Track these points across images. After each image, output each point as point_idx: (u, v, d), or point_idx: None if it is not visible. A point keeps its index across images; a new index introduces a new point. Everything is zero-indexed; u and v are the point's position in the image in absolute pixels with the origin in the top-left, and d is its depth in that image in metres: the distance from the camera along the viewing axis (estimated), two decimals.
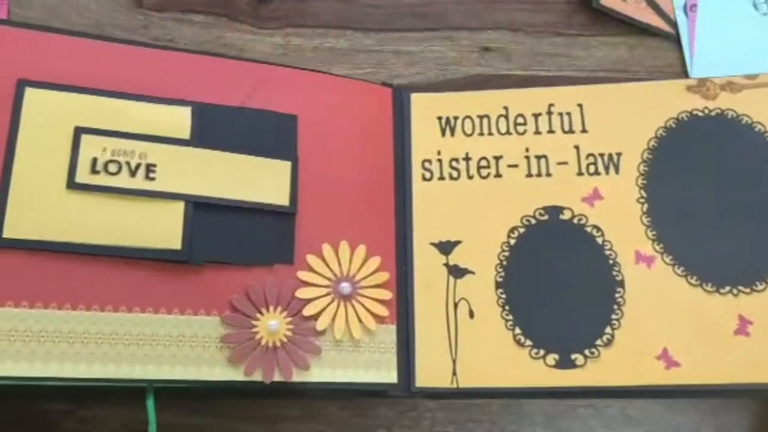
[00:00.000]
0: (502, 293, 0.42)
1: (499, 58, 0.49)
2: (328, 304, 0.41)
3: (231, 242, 0.41)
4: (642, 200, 0.44)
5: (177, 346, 0.39)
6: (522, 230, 0.44)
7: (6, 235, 0.38)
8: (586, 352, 0.41)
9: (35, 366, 0.36)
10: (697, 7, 0.50)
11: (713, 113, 0.45)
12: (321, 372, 0.40)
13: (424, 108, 0.46)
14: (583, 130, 0.45)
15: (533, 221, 0.44)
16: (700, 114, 0.45)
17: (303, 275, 0.41)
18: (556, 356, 0.41)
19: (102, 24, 0.48)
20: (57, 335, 0.37)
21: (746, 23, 0.50)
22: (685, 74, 0.48)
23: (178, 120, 0.41)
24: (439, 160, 0.45)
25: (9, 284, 0.37)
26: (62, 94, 0.40)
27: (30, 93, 0.40)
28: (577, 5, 0.50)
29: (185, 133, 0.41)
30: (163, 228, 0.39)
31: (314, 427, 0.41)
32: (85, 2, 0.48)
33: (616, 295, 0.42)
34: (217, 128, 0.42)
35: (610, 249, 0.43)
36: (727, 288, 0.42)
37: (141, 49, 0.43)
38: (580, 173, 0.45)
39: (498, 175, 0.45)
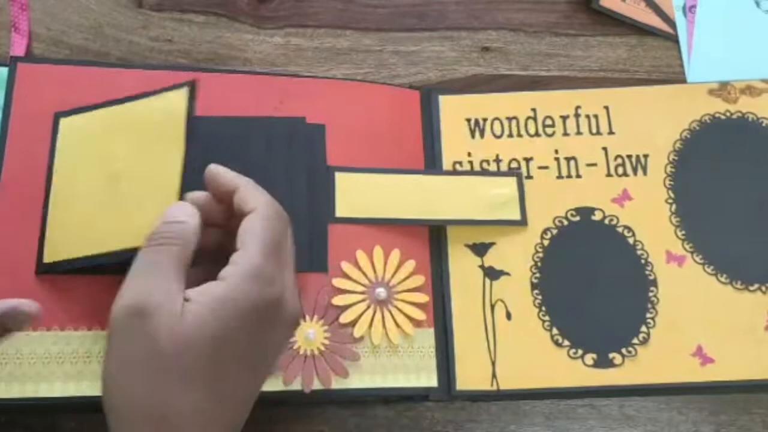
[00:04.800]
0: (538, 294, 0.43)
1: (498, 58, 0.49)
2: (365, 311, 0.41)
3: None
4: (670, 201, 0.45)
5: None
6: (554, 231, 0.44)
7: (46, 260, 0.38)
8: (624, 351, 0.42)
9: (94, 385, 0.37)
10: (697, 8, 0.51)
11: (734, 116, 0.47)
12: (360, 378, 0.39)
13: (453, 110, 0.46)
14: (611, 132, 0.46)
15: (565, 222, 0.44)
16: (722, 117, 0.47)
17: (338, 282, 0.41)
18: (594, 356, 0.42)
19: (102, 24, 0.47)
20: (87, 356, 0.38)
21: (747, 22, 0.51)
22: (684, 75, 0.49)
23: None
24: (470, 162, 0.45)
25: (49, 309, 0.38)
26: (88, 115, 0.41)
27: (64, 122, 0.41)
28: (577, 5, 0.51)
29: None
30: None
31: (312, 428, 0.40)
32: (85, 2, 0.47)
33: (650, 294, 0.43)
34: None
35: (642, 249, 0.44)
36: (756, 285, 0.43)
37: (165, 72, 0.44)
38: (609, 174, 0.45)
39: (529, 177, 0.45)
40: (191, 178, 0.39)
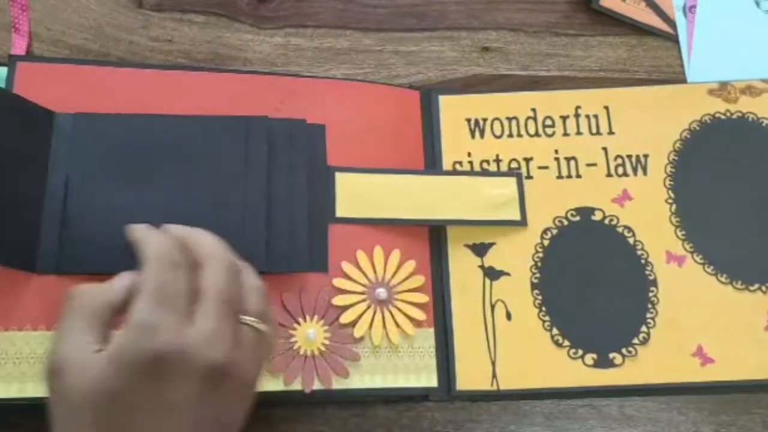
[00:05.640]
0: (538, 294, 0.43)
1: (498, 58, 0.49)
2: (365, 311, 0.41)
3: (265, 252, 0.40)
4: (670, 201, 0.45)
5: None
6: (554, 231, 0.44)
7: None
8: (624, 351, 0.42)
9: None
10: (697, 8, 0.51)
11: (734, 116, 0.47)
12: (361, 378, 0.39)
13: (453, 110, 0.46)
14: (610, 132, 0.46)
15: (565, 222, 0.44)
16: (722, 117, 0.47)
17: (338, 283, 0.41)
18: (595, 356, 0.42)
19: (102, 24, 0.47)
20: None
21: (747, 22, 0.51)
22: (684, 75, 0.49)
23: None
24: (470, 162, 0.45)
25: (49, 309, 0.38)
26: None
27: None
28: (577, 5, 0.51)
29: None
30: None
31: (312, 428, 0.40)
32: (85, 2, 0.47)
33: (650, 294, 0.43)
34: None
35: (642, 249, 0.44)
36: (756, 285, 0.43)
37: (165, 72, 0.44)
38: (609, 174, 0.45)
39: (529, 177, 0.45)
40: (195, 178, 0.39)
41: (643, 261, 0.43)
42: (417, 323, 0.41)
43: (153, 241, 0.31)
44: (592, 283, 0.43)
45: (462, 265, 0.43)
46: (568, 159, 0.45)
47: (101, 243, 0.38)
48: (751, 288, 0.43)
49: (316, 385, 0.39)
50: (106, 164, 0.40)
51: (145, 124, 0.41)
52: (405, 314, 0.41)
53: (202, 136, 0.41)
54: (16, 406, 0.37)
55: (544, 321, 0.42)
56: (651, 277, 0.43)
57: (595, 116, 0.47)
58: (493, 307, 0.42)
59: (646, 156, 0.46)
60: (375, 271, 0.41)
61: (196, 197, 0.40)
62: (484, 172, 0.45)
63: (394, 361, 0.40)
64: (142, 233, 0.32)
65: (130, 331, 0.28)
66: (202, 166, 0.41)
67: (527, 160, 0.45)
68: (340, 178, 0.43)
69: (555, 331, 0.42)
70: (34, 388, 0.37)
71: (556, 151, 0.46)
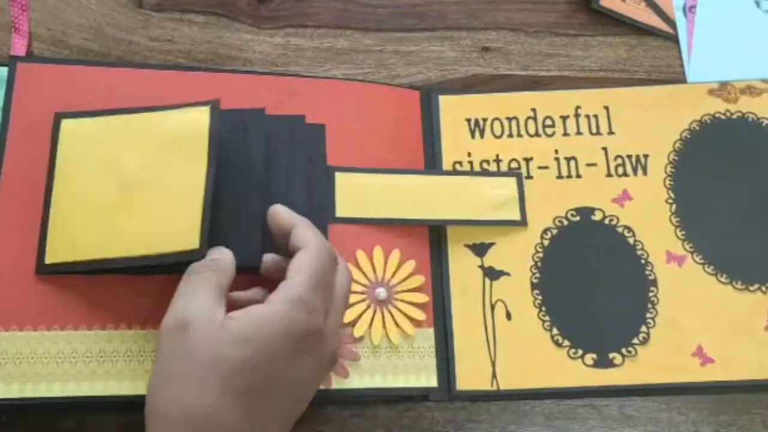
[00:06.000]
0: (538, 294, 0.43)
1: (498, 58, 0.49)
2: (365, 310, 0.41)
3: (264, 251, 0.40)
4: (670, 201, 0.45)
5: None
6: (554, 231, 0.44)
7: (48, 261, 0.38)
8: (624, 351, 0.42)
9: (94, 385, 0.37)
10: (697, 8, 0.51)
11: (734, 116, 0.47)
12: (360, 378, 0.39)
13: (453, 110, 0.46)
14: (610, 132, 0.46)
15: (565, 222, 0.44)
16: (722, 117, 0.47)
17: None
18: (594, 356, 0.42)
19: (102, 24, 0.47)
20: (87, 356, 0.38)
21: (747, 22, 0.51)
22: (684, 75, 0.49)
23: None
24: (470, 162, 0.45)
25: (49, 309, 0.38)
26: (95, 120, 0.41)
27: (67, 123, 0.41)
28: (577, 5, 0.51)
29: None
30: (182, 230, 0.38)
31: (312, 428, 0.40)
32: (85, 2, 0.47)
33: (650, 294, 0.43)
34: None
35: (642, 249, 0.44)
36: (756, 285, 0.43)
37: (165, 72, 0.44)
38: (609, 174, 0.45)
39: (529, 177, 0.45)
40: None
41: (643, 261, 0.43)
42: (417, 323, 0.41)
43: (315, 231, 0.35)
44: (592, 283, 0.43)
45: (462, 265, 0.43)
46: (568, 159, 0.45)
47: None
48: (751, 288, 0.43)
49: None
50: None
51: None
52: (405, 314, 0.41)
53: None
54: (16, 406, 0.37)
55: (544, 321, 0.42)
56: (651, 277, 0.43)
57: (595, 116, 0.47)
58: (493, 307, 0.42)
59: (646, 156, 0.46)
60: (375, 271, 0.42)
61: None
62: (484, 172, 0.45)
63: (393, 361, 0.40)
64: (298, 219, 0.36)
65: (289, 305, 0.31)
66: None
67: (527, 160, 0.45)
68: (340, 178, 0.43)
69: (555, 331, 0.42)
70: (34, 388, 0.37)
71: (556, 151, 0.46)
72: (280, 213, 0.36)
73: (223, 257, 0.35)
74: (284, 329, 0.31)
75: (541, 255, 0.43)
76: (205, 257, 0.35)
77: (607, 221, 0.44)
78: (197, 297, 0.32)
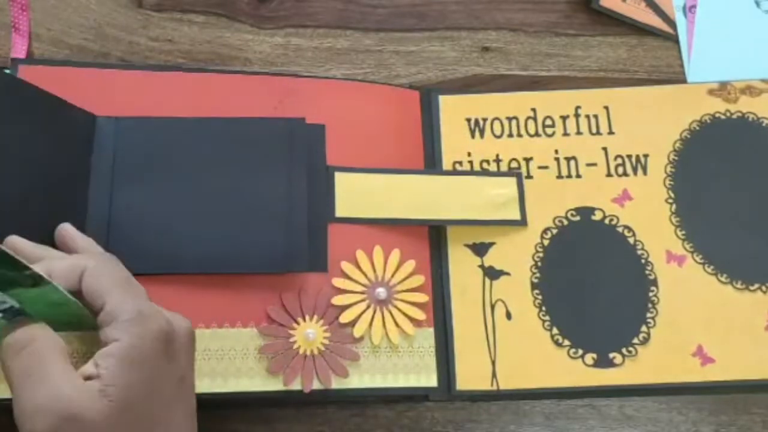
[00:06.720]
0: (538, 294, 0.43)
1: (498, 58, 0.49)
2: (365, 310, 0.41)
3: (265, 252, 0.40)
4: (670, 200, 0.45)
5: (216, 359, 0.39)
6: (554, 231, 0.44)
7: None
8: (624, 350, 0.42)
9: None
10: (697, 8, 0.51)
11: (734, 116, 0.47)
12: (360, 378, 0.39)
13: (453, 110, 0.46)
14: (610, 132, 0.46)
15: (565, 222, 0.44)
16: (722, 117, 0.47)
17: (338, 282, 0.41)
18: (594, 356, 0.42)
19: (102, 24, 0.47)
20: (87, 356, 0.35)
21: (747, 22, 0.51)
22: (684, 75, 0.49)
23: None
24: (470, 162, 0.45)
25: None
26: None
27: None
28: (577, 5, 0.51)
29: None
30: None
31: (312, 428, 0.40)
32: (85, 2, 0.47)
33: (650, 294, 0.43)
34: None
35: (642, 249, 0.44)
36: (756, 285, 0.43)
37: (164, 73, 0.44)
38: (609, 174, 0.45)
39: (529, 177, 0.45)
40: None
41: (643, 261, 0.43)
42: (417, 323, 0.41)
43: (81, 236, 0.33)
44: (592, 283, 0.43)
45: (462, 265, 0.43)
46: (568, 159, 0.45)
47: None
48: (751, 288, 0.43)
49: (316, 385, 0.39)
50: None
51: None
52: (405, 314, 0.41)
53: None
54: None
55: (544, 321, 0.42)
56: (651, 277, 0.43)
57: (595, 116, 0.47)
58: (493, 306, 0.42)
59: (646, 156, 0.46)
60: (375, 271, 0.41)
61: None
62: (484, 172, 0.45)
63: (393, 360, 0.40)
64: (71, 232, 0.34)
65: (138, 324, 0.29)
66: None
67: (527, 160, 0.45)
68: (339, 178, 0.43)
69: (555, 330, 0.42)
70: None
71: (556, 151, 0.46)
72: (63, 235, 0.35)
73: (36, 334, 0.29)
74: (146, 349, 0.29)
75: (541, 255, 0.43)
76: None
77: (607, 221, 0.44)
78: (51, 382, 0.27)
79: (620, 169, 0.45)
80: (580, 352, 0.42)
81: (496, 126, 0.46)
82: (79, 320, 0.31)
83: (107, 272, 0.31)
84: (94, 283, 0.30)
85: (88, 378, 0.28)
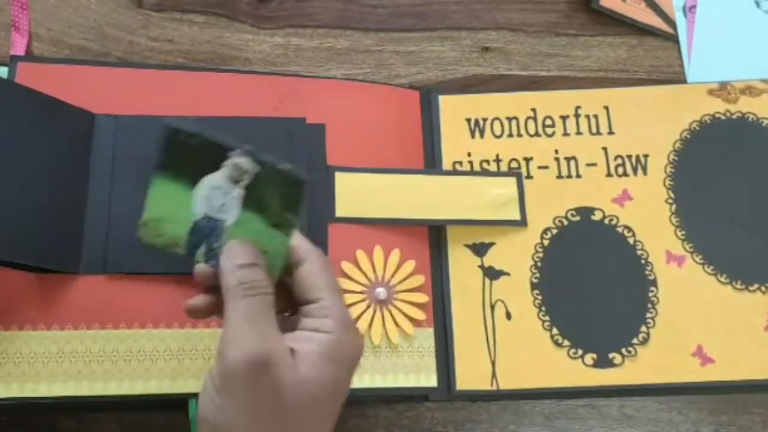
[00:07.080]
0: (538, 294, 0.43)
1: (498, 58, 0.49)
2: (365, 310, 0.41)
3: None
4: (670, 201, 0.45)
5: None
6: (554, 231, 0.44)
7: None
8: (624, 351, 0.42)
9: (93, 385, 0.37)
10: (697, 8, 0.51)
11: (734, 116, 0.47)
12: (360, 378, 0.39)
13: (453, 110, 0.46)
14: (610, 132, 0.46)
15: (565, 222, 0.44)
16: (722, 117, 0.47)
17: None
18: (594, 356, 0.42)
19: (102, 24, 0.47)
20: (87, 356, 0.38)
21: (747, 22, 0.51)
22: (684, 75, 0.49)
23: None
24: (470, 162, 0.45)
25: (49, 309, 0.38)
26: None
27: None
28: (577, 5, 0.51)
29: None
30: None
31: None
32: (85, 2, 0.47)
33: (650, 294, 0.43)
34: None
35: (642, 249, 0.44)
36: (756, 285, 0.43)
37: (165, 72, 0.44)
38: (609, 174, 0.45)
39: (529, 177, 0.45)
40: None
41: (643, 261, 0.44)
42: (417, 323, 0.41)
43: (302, 242, 0.32)
44: (592, 283, 0.43)
45: (462, 265, 0.43)
46: (568, 159, 0.45)
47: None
48: (751, 288, 0.43)
49: None
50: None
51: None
52: (405, 314, 0.41)
53: None
54: (16, 406, 0.37)
55: (544, 321, 0.42)
56: (651, 277, 0.43)
57: (595, 116, 0.47)
58: (492, 307, 0.42)
59: (646, 156, 0.46)
60: (375, 271, 0.41)
61: None
62: (484, 172, 0.45)
63: (393, 360, 0.40)
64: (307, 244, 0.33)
65: (346, 331, 0.30)
66: None
67: (527, 160, 0.45)
68: (339, 177, 0.43)
69: (555, 331, 0.42)
70: (34, 388, 0.37)
71: (556, 151, 0.46)
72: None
73: (260, 264, 0.30)
74: (348, 354, 0.30)
75: (541, 255, 0.43)
76: (241, 261, 0.30)
77: (607, 221, 0.44)
78: (264, 329, 0.29)
79: (620, 169, 0.45)
80: (580, 352, 0.42)
81: (496, 126, 0.46)
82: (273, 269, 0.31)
83: (328, 270, 0.32)
84: (316, 273, 0.31)
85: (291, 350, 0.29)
